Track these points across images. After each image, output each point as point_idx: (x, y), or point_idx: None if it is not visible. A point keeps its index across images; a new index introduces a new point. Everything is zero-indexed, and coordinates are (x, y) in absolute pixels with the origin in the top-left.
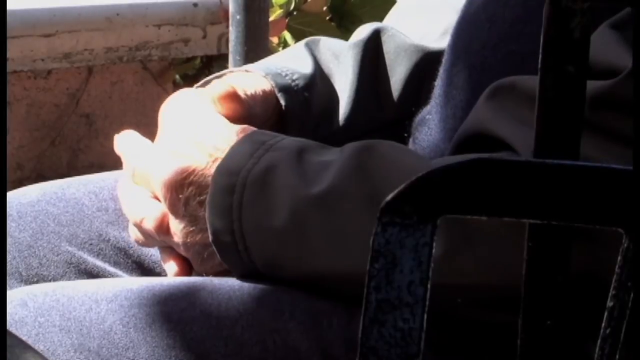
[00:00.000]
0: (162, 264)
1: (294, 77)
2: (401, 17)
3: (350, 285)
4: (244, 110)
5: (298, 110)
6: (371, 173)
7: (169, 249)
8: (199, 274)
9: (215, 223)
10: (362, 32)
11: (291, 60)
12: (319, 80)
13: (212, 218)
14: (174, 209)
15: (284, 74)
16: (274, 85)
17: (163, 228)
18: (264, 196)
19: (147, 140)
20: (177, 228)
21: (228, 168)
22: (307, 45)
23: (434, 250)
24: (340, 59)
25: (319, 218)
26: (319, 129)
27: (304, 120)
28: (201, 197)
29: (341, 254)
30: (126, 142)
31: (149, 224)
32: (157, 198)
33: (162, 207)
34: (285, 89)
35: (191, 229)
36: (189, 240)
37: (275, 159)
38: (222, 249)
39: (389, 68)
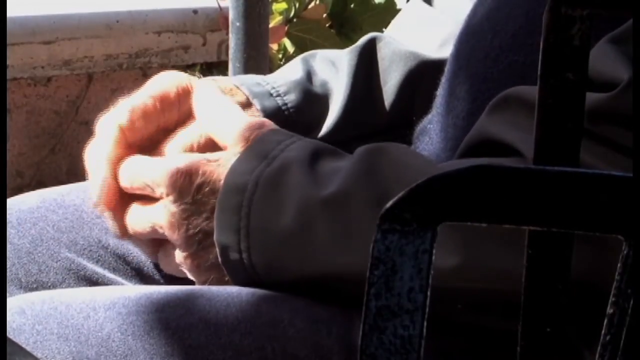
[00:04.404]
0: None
1: (276, 85)
2: (400, 28)
3: (352, 286)
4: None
5: (281, 114)
6: (380, 176)
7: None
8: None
9: (222, 220)
10: (360, 40)
11: (279, 73)
12: (311, 86)
13: (219, 215)
14: (182, 193)
15: (264, 83)
16: (248, 93)
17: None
18: (275, 196)
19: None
20: (180, 215)
21: (241, 169)
22: (303, 57)
23: (446, 260)
24: (337, 66)
25: (325, 219)
26: (310, 133)
27: (290, 125)
28: (213, 186)
29: (346, 255)
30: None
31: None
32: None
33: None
34: (262, 95)
35: (197, 215)
36: (192, 225)
37: (289, 159)
38: (224, 250)
39: (383, 74)
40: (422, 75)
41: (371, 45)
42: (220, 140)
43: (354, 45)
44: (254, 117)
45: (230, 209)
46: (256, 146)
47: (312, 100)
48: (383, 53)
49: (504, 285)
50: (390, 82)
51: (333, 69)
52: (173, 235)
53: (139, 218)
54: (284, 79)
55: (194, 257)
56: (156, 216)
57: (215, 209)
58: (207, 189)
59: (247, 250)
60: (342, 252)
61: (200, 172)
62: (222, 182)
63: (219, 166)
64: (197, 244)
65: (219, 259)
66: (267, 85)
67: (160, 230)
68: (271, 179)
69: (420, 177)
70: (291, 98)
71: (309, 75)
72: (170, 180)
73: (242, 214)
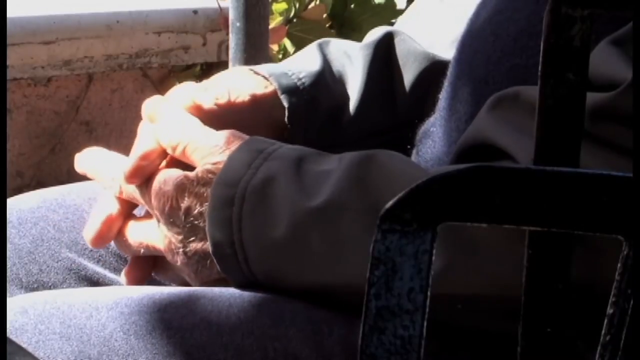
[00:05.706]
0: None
1: (301, 76)
2: (412, 22)
3: (351, 296)
4: (210, 121)
5: (304, 109)
6: (370, 184)
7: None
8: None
9: (216, 235)
10: (374, 34)
11: (300, 60)
12: (329, 78)
13: (212, 230)
14: (171, 218)
15: (290, 73)
16: (277, 86)
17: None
18: (263, 208)
19: (115, 154)
20: (175, 238)
21: (226, 179)
22: (319, 44)
23: (435, 263)
24: (352, 59)
25: (318, 231)
26: (326, 127)
27: (310, 119)
28: (202, 208)
29: (342, 266)
30: (93, 157)
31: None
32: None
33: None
34: (290, 90)
35: (191, 238)
36: (188, 249)
37: (273, 169)
38: (223, 261)
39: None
40: (434, 76)
41: (387, 41)
42: (188, 153)
43: (369, 41)
44: (217, 130)
45: (221, 224)
46: (239, 155)
47: (330, 94)
48: (399, 50)
49: (503, 289)
50: (404, 82)
51: (348, 61)
52: (172, 259)
53: (133, 236)
54: (307, 71)
55: (196, 274)
56: (152, 238)
57: (206, 224)
58: (196, 211)
59: (245, 262)
60: (336, 262)
61: (185, 193)
62: (208, 198)
63: (203, 184)
64: (197, 263)
65: (220, 270)
66: (293, 76)
67: (156, 252)
68: (257, 191)
69: (411, 185)
70: (314, 92)
71: (327, 66)
72: (158, 203)
73: (234, 229)
